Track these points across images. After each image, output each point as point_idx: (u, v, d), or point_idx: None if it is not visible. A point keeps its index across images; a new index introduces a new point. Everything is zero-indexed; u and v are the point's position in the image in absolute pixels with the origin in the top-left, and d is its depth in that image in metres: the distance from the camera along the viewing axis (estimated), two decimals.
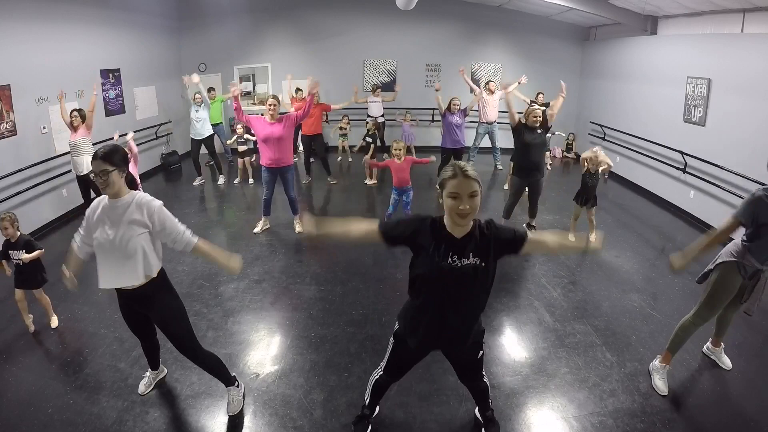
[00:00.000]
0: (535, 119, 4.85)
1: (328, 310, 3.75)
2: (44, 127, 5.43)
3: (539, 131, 4.89)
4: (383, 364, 2.28)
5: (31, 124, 5.22)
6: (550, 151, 8.66)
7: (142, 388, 2.77)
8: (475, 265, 1.82)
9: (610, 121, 8.27)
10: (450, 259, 1.81)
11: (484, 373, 2.33)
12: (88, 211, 2.26)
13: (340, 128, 8.85)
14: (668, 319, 3.65)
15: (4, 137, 4.86)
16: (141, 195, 2.21)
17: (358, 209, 6.28)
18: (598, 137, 8.68)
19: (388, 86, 9.63)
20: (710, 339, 3.14)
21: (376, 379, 2.34)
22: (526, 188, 5.20)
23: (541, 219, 5.88)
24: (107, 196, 2.20)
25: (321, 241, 5.22)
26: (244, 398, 2.71)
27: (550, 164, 8.57)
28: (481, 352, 2.16)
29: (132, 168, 2.58)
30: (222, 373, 2.61)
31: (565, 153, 9.63)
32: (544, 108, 7.35)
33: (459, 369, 2.27)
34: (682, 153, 6.14)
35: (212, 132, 7.37)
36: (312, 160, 7.66)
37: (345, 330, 3.46)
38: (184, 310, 2.46)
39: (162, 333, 2.47)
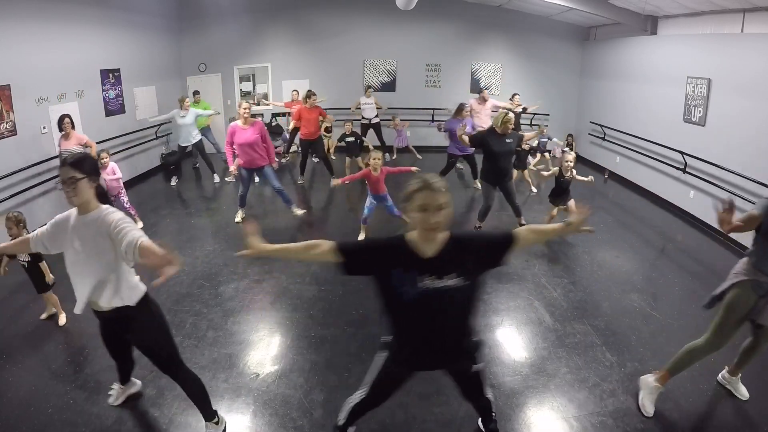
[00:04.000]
0: (506, 126, 4.81)
1: (328, 310, 3.75)
2: (44, 127, 5.43)
3: (508, 140, 4.86)
4: (366, 387, 2.09)
5: (31, 124, 5.22)
6: (550, 152, 8.65)
7: (111, 399, 2.69)
8: (456, 286, 1.69)
9: (610, 121, 8.27)
10: (422, 283, 1.67)
11: (487, 389, 2.20)
12: (57, 218, 2.12)
13: (326, 129, 8.75)
14: (668, 319, 3.66)
15: (4, 137, 4.85)
16: (109, 210, 2.05)
17: (354, 208, 6.26)
18: (598, 137, 8.68)
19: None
20: (726, 367, 2.91)
21: (357, 403, 2.12)
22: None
23: (540, 219, 5.88)
24: (75, 211, 2.07)
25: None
26: None
27: (538, 167, 8.55)
28: (475, 366, 2.01)
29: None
30: (203, 402, 2.45)
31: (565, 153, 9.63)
32: (520, 111, 7.34)
33: (459, 385, 2.16)
34: (682, 153, 6.14)
35: (200, 137, 7.45)
36: (315, 159, 7.68)
37: (345, 330, 3.46)
38: (167, 329, 2.32)
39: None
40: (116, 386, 2.71)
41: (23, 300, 3.85)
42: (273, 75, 9.46)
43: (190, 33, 9.01)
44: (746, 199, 4.99)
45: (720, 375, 2.96)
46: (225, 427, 2.53)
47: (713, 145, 5.66)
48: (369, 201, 5.11)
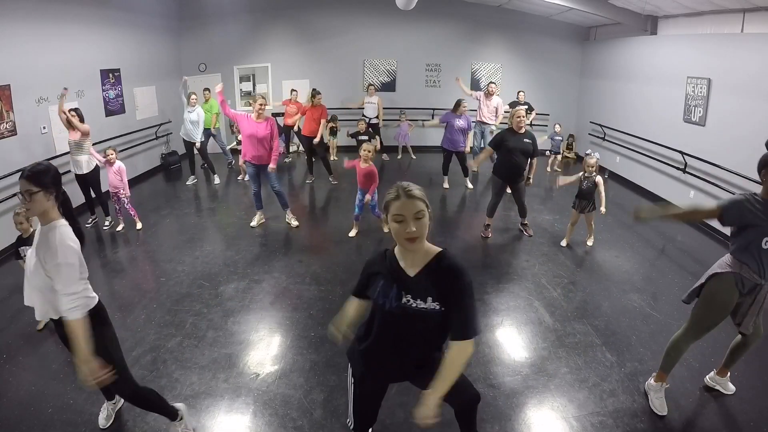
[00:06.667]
0: (519, 119, 4.85)
1: (328, 310, 3.75)
2: (44, 127, 5.43)
3: (525, 139, 4.87)
4: (351, 415, 2.02)
5: (31, 124, 5.22)
6: (549, 153, 8.67)
7: (102, 422, 2.53)
8: (434, 310, 1.62)
9: (610, 121, 8.28)
10: (404, 299, 1.63)
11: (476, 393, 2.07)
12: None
13: (331, 128, 8.88)
14: (668, 319, 3.66)
15: (4, 137, 4.85)
16: (60, 230, 1.94)
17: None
18: (598, 137, 8.68)
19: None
20: (714, 369, 2.89)
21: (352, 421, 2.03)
22: (508, 189, 5.27)
23: (540, 219, 5.89)
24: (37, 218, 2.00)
25: (321, 241, 5.23)
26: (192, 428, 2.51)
27: (556, 168, 8.58)
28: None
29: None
30: (163, 407, 2.39)
31: (565, 153, 9.62)
32: (526, 107, 7.37)
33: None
34: (682, 153, 6.14)
35: (203, 139, 7.26)
36: (313, 159, 7.67)
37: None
38: (110, 348, 2.16)
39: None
40: (105, 404, 2.59)
41: (23, 300, 3.85)
42: (273, 75, 9.46)
43: (190, 33, 9.01)
44: None
45: (707, 377, 2.92)
46: (183, 415, 2.46)
47: (713, 145, 5.67)
48: (358, 198, 5.08)
